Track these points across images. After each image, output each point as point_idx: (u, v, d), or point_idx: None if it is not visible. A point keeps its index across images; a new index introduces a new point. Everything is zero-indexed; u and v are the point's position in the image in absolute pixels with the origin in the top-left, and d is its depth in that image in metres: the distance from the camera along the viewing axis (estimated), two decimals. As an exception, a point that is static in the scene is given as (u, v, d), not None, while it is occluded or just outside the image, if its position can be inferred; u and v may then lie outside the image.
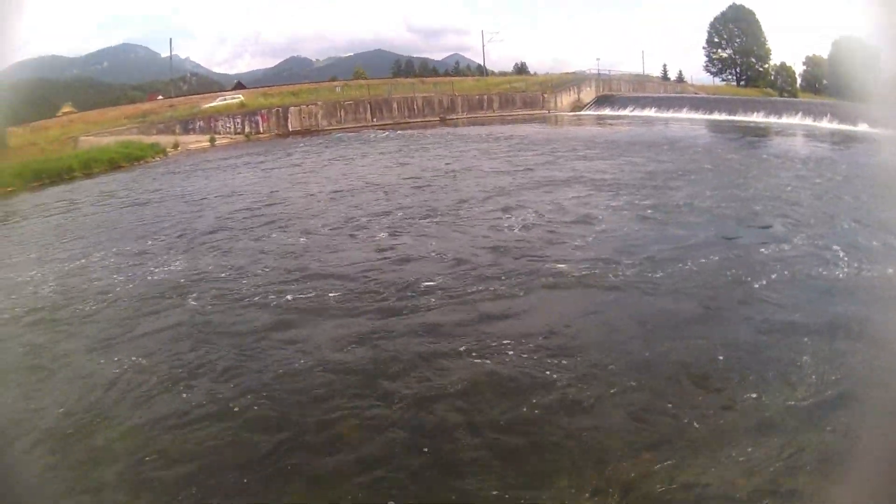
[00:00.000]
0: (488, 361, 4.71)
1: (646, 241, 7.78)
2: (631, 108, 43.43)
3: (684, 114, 40.17)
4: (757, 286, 6.00)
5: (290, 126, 36.20)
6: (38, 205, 15.44)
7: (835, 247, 7.02)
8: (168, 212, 12.32)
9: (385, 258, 7.63)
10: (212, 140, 32.34)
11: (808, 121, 34.53)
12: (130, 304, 6.59)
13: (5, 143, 26.87)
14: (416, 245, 8.18)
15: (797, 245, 7.27)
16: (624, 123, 34.49)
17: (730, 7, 79.91)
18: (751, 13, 79.12)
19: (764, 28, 79.48)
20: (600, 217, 9.24)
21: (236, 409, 4.27)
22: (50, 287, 7.50)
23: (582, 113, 44.98)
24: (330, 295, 6.32)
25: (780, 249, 7.10)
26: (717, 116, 38.48)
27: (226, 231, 10.00)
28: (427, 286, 6.39)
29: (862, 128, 31.45)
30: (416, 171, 15.65)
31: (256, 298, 6.38)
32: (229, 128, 34.45)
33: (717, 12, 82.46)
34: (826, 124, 33.30)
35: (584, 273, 6.52)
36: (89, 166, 22.83)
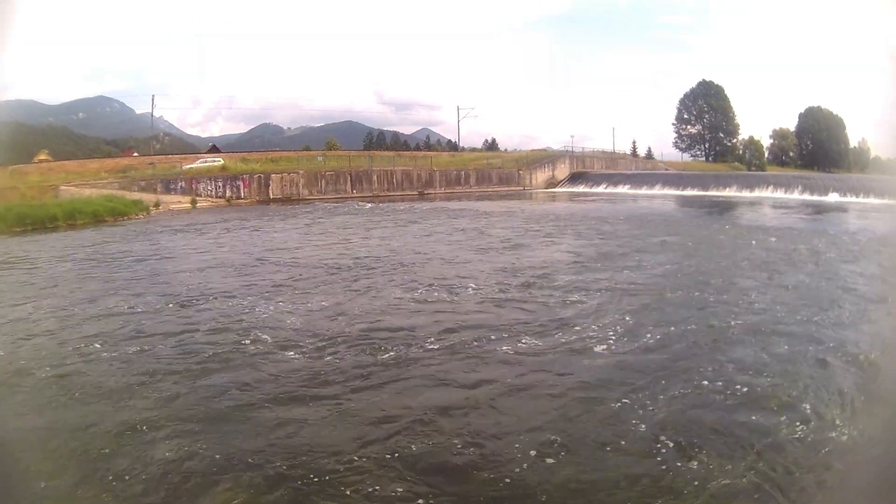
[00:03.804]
0: None
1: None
2: (605, 186, 43.66)
3: (657, 190, 40.25)
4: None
5: (270, 193, 36.18)
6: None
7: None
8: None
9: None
10: (193, 202, 32.36)
11: (780, 193, 34.63)
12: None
13: None
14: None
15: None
16: (600, 200, 34.15)
17: (699, 84, 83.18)
18: (720, 89, 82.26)
19: (732, 103, 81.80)
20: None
21: None
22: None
23: (557, 190, 45.14)
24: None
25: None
26: (690, 192, 38.56)
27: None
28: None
29: (832, 197, 32.15)
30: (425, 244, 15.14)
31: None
32: (210, 191, 34.23)
33: (686, 89, 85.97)
34: (797, 195, 33.41)
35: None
36: (73, 217, 23.14)
